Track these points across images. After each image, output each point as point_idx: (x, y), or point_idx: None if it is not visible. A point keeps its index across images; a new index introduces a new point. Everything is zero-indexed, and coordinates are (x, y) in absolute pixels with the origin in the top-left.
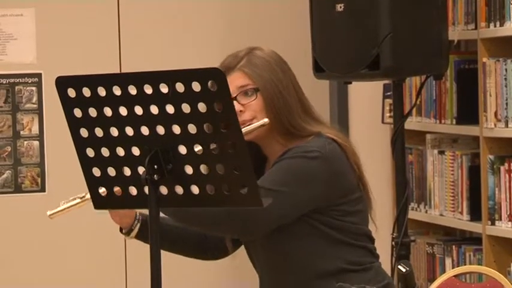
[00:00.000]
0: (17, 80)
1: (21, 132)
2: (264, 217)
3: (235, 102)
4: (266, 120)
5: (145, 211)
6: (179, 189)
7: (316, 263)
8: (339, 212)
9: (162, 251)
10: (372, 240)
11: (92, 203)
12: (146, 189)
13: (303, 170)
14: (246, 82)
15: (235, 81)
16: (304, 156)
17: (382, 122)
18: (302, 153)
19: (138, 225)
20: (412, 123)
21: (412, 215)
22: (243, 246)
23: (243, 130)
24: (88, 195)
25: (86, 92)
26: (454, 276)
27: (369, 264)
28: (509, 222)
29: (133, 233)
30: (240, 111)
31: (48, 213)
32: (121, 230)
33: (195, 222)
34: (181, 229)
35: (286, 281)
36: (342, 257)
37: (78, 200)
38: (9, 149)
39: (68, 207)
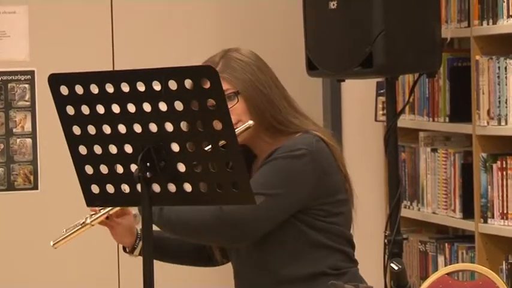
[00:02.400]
0: (10, 78)
1: (14, 130)
2: (255, 221)
3: None
4: (251, 122)
5: None
6: (172, 187)
7: (293, 265)
8: (323, 212)
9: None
10: (352, 245)
11: (92, 225)
12: (139, 187)
13: (290, 170)
14: (225, 87)
15: None
16: (291, 156)
17: (375, 119)
18: (288, 153)
19: (141, 243)
20: (405, 121)
21: (404, 213)
22: None
23: None
24: (88, 220)
25: (79, 89)
26: (447, 274)
27: (346, 269)
28: (502, 220)
29: (137, 251)
30: None
31: (52, 243)
32: (124, 249)
33: (185, 231)
34: (180, 240)
35: (263, 282)
36: (321, 261)
37: (79, 227)
38: (1, 146)
39: (70, 235)
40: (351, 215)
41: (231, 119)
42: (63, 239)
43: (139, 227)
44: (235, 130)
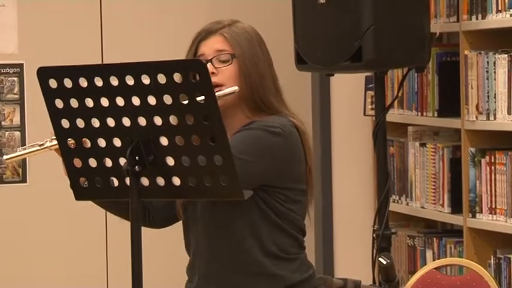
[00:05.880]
0: None
1: (3, 123)
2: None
3: (209, 64)
4: (236, 88)
5: None
6: (160, 181)
7: (253, 238)
8: (282, 196)
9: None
10: (304, 233)
11: (51, 150)
12: (127, 181)
13: (263, 142)
14: (224, 47)
15: (214, 44)
16: (267, 129)
17: (364, 114)
18: (265, 127)
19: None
20: (394, 115)
21: (393, 207)
22: None
23: None
24: (47, 143)
25: (68, 82)
26: (435, 268)
27: (295, 255)
28: (490, 215)
29: None
30: (212, 73)
31: (5, 157)
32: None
33: None
34: None
35: (225, 253)
36: (273, 241)
37: (37, 148)
38: None
39: (25, 154)
40: (307, 205)
41: (221, 113)
42: (17, 156)
43: None
44: (220, 92)
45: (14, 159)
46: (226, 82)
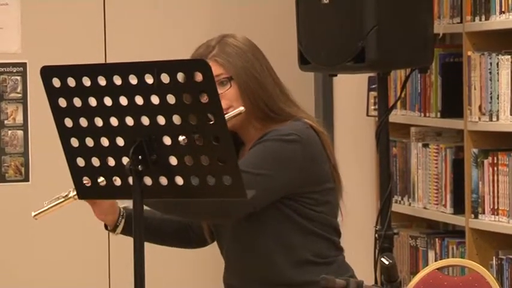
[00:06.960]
0: (2, 69)
1: (6, 122)
2: (242, 200)
3: None
4: (242, 108)
5: (129, 205)
6: (163, 180)
7: (283, 250)
8: (310, 200)
9: (145, 245)
10: (338, 233)
11: (76, 199)
12: (130, 180)
13: (280, 153)
14: (219, 72)
15: None
16: (282, 139)
17: (367, 114)
18: (280, 136)
19: (123, 221)
20: (397, 116)
21: (395, 207)
22: None
23: None
24: (71, 194)
25: (71, 81)
26: (437, 269)
27: (332, 258)
28: (492, 216)
29: (119, 229)
30: None
31: (33, 214)
32: (106, 226)
33: (172, 207)
34: (161, 220)
35: (253, 268)
36: (308, 248)
37: (62, 200)
38: None
39: (52, 207)
40: (337, 203)
41: (223, 112)
42: (44, 210)
43: (121, 204)
44: (226, 115)
45: (42, 214)
46: (231, 104)
